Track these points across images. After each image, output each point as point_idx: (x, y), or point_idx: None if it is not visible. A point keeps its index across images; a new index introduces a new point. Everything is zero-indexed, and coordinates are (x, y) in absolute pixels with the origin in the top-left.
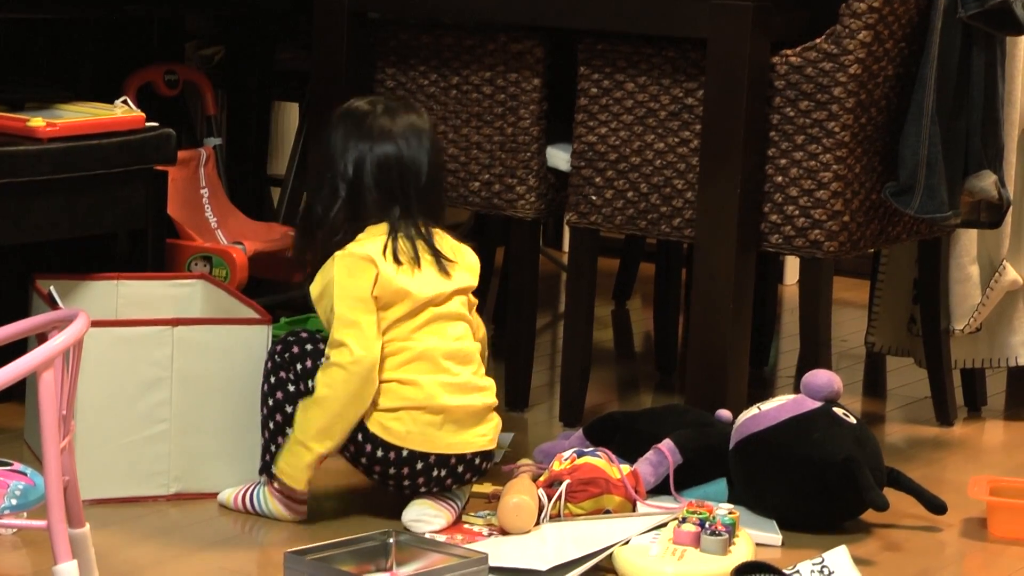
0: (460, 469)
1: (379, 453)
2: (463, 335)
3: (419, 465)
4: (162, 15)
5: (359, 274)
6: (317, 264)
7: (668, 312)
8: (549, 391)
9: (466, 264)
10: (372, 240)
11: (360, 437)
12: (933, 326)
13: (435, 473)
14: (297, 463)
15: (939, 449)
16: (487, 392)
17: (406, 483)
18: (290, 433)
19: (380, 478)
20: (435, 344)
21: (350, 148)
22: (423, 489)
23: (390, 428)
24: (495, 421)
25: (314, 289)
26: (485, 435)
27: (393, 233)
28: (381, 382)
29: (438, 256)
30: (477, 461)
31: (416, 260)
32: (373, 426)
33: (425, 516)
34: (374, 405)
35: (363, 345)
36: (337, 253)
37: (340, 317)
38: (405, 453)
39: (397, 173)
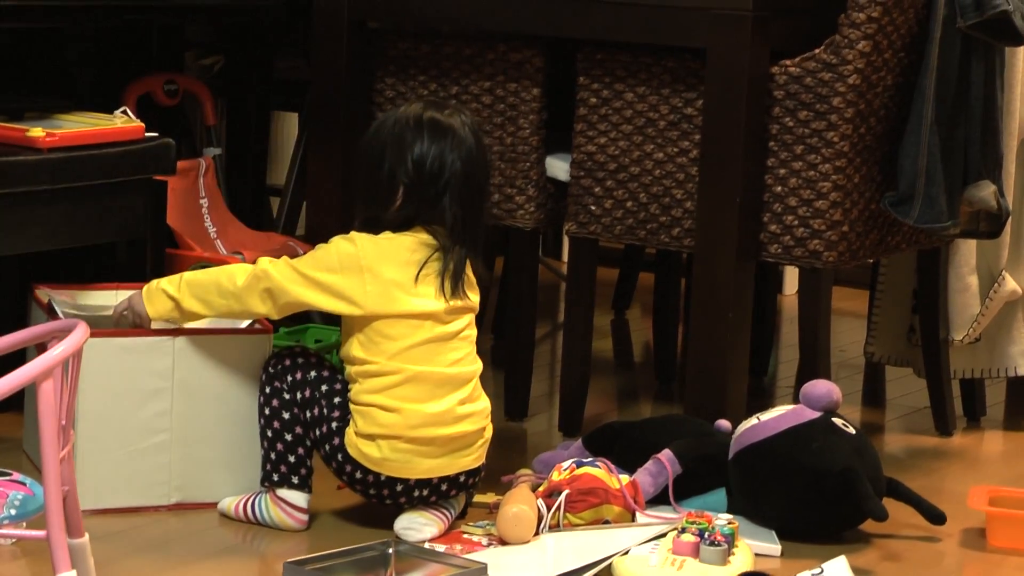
0: (444, 487)
1: (357, 474)
2: (463, 359)
3: (398, 487)
4: (162, 25)
5: (346, 270)
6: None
7: (667, 322)
8: (548, 401)
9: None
10: (399, 242)
11: (340, 456)
12: (932, 336)
13: (416, 493)
14: (162, 290)
15: (938, 459)
16: (477, 417)
17: (388, 501)
18: (287, 438)
19: (362, 493)
20: (430, 368)
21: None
22: (405, 504)
23: (366, 454)
24: (484, 438)
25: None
26: (470, 455)
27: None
28: (361, 405)
29: (458, 277)
30: (462, 479)
31: (438, 275)
32: (350, 448)
33: (415, 524)
34: (353, 427)
35: (278, 288)
36: (356, 235)
37: (299, 269)
38: (383, 477)
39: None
